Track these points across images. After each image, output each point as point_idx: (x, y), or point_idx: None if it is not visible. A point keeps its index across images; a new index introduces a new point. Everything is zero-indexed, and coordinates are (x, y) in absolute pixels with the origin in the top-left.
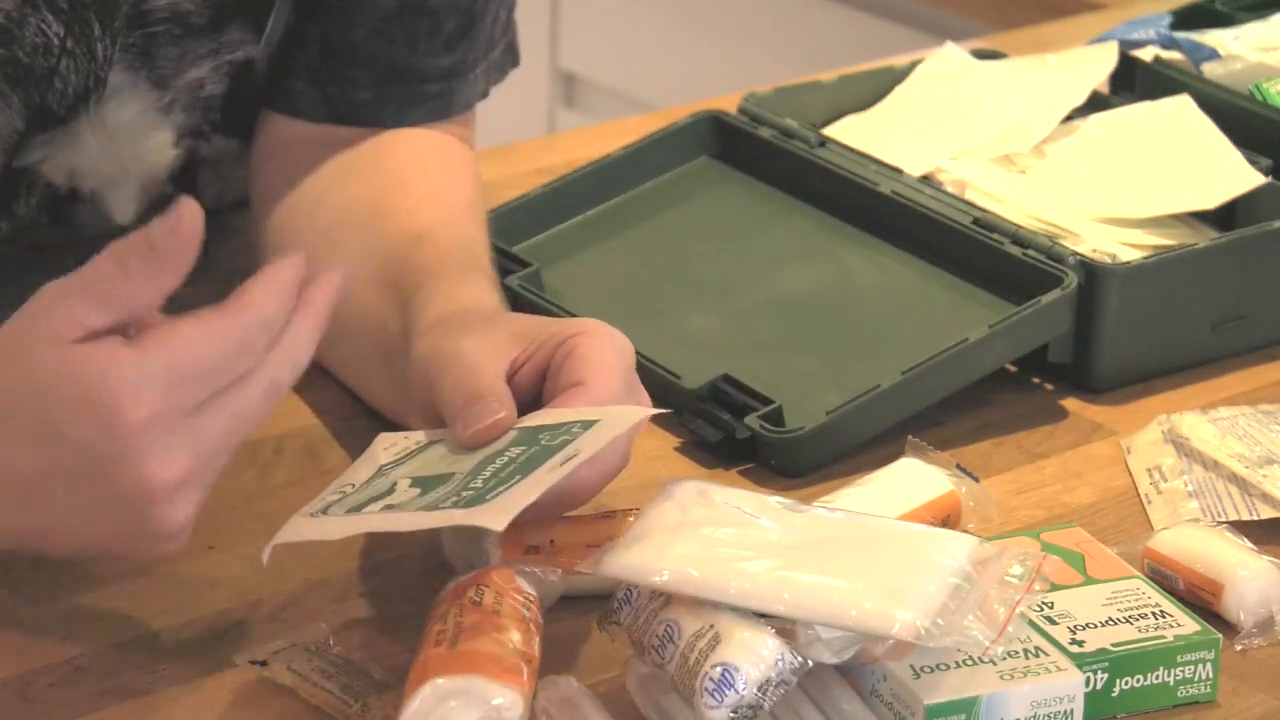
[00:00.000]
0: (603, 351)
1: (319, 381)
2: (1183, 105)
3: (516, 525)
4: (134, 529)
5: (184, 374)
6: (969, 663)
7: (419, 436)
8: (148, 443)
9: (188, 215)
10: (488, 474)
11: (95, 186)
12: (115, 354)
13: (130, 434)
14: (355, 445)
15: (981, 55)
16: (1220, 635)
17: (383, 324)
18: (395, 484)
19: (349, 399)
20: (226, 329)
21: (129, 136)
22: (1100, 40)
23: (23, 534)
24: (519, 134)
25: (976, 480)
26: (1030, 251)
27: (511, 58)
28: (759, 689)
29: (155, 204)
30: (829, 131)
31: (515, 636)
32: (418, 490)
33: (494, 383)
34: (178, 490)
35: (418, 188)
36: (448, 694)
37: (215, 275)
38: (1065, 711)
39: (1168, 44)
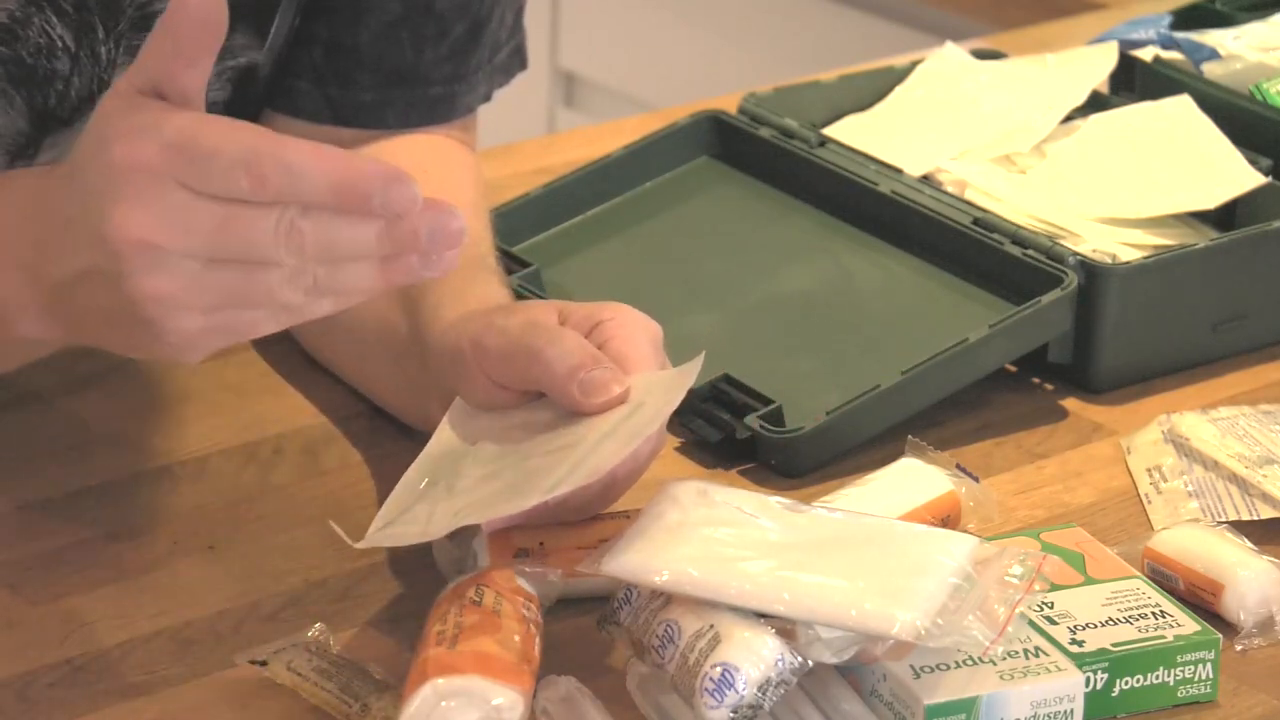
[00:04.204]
0: (637, 336)
1: (319, 381)
2: (1183, 105)
3: (505, 529)
4: (126, 310)
5: (186, 146)
6: (969, 663)
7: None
8: (129, 193)
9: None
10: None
11: None
12: (134, 101)
13: (114, 172)
14: (355, 445)
15: (981, 55)
16: (1220, 635)
17: (392, 324)
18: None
19: (349, 399)
20: (251, 139)
21: None
22: (1100, 40)
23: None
24: (519, 134)
25: (976, 480)
26: (1030, 251)
27: (519, 60)
28: (759, 689)
29: None
30: (829, 131)
31: (515, 636)
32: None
33: (594, 351)
34: (153, 254)
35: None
36: (448, 694)
37: None
38: (1065, 711)
39: (1168, 44)
